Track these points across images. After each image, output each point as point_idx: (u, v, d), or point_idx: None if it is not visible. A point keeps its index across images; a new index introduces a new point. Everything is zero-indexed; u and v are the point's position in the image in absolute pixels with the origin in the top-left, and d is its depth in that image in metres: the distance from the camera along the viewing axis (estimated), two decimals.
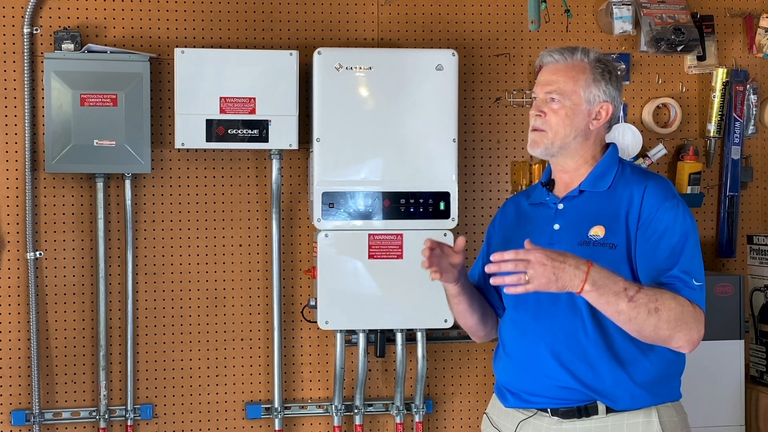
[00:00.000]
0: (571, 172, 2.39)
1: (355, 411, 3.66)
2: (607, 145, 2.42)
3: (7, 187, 3.51)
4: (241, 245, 3.66)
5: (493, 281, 2.09)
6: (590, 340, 2.25)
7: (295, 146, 3.47)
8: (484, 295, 2.55)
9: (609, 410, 2.27)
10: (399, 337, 3.60)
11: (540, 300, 2.28)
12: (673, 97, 3.88)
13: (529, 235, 2.37)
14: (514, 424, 2.39)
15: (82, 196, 3.55)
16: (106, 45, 3.49)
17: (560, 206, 2.37)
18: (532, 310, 2.33)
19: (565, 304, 2.26)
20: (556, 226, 2.34)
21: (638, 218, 2.25)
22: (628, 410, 2.27)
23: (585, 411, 2.28)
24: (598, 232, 2.27)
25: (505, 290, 2.09)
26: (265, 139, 3.45)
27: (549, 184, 2.43)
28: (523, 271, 2.06)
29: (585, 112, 2.34)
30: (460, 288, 2.41)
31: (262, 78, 3.43)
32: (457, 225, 3.52)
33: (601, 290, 2.09)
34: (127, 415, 3.57)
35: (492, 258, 2.09)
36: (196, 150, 3.61)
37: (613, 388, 2.26)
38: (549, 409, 2.32)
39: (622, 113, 3.81)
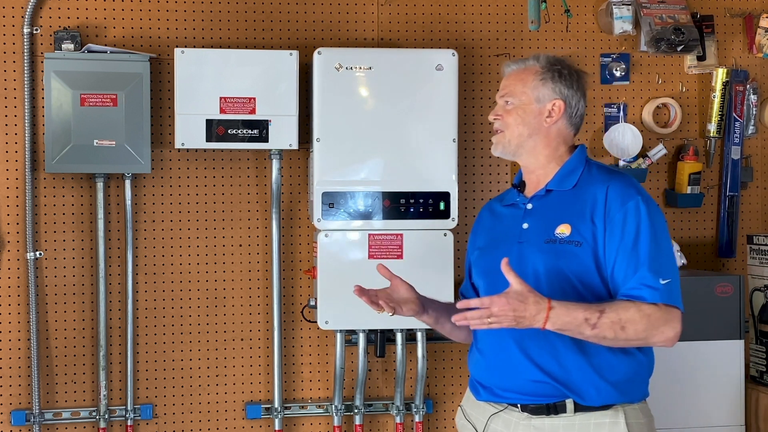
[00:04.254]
0: (537, 172, 2.46)
1: (355, 411, 3.66)
2: (576, 146, 2.49)
3: (7, 187, 3.51)
4: (241, 245, 3.66)
5: (459, 323, 2.20)
6: (557, 334, 2.27)
7: (295, 146, 3.47)
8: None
9: (577, 408, 2.32)
10: (399, 337, 3.60)
11: None
12: (673, 97, 3.87)
13: (501, 236, 2.47)
14: (485, 417, 2.44)
15: (82, 196, 3.55)
16: (106, 45, 3.49)
17: (529, 206, 2.44)
18: None
19: None
20: (525, 225, 2.41)
21: (604, 217, 2.31)
22: (595, 407, 2.31)
23: (554, 408, 2.33)
24: (564, 230, 2.34)
25: (471, 327, 2.23)
26: (265, 139, 3.45)
27: (520, 185, 2.51)
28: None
29: (536, 110, 2.43)
30: (435, 316, 2.53)
31: (262, 78, 3.43)
32: (457, 225, 3.52)
33: (563, 327, 2.21)
34: (127, 415, 3.57)
35: (458, 305, 2.24)
36: (196, 150, 3.61)
37: (580, 382, 2.31)
38: (519, 405, 2.37)
39: (622, 113, 3.82)
